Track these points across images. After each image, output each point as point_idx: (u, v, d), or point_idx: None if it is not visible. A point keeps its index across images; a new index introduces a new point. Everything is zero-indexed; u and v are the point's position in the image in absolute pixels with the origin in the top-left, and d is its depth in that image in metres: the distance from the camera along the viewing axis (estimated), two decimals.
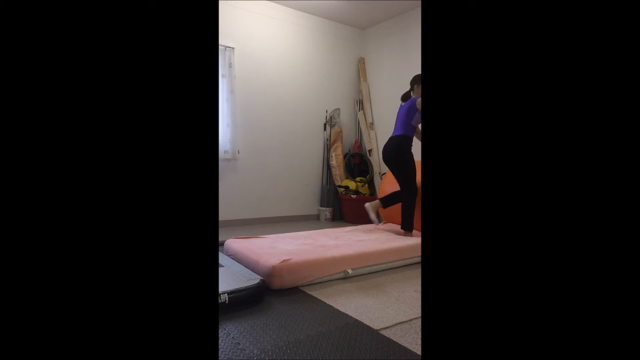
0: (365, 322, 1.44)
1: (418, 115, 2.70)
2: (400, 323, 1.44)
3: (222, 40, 3.63)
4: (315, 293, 1.77)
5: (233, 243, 2.30)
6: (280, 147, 4.09)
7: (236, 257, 2.13)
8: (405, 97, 2.90)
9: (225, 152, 3.65)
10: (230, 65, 3.65)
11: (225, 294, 1.54)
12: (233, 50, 3.67)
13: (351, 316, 1.50)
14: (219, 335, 1.30)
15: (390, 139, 2.79)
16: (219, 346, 1.22)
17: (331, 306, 1.61)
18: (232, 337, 1.29)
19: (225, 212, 3.74)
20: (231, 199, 3.77)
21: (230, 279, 1.73)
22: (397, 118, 2.84)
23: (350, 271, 2.00)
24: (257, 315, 1.49)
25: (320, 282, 1.92)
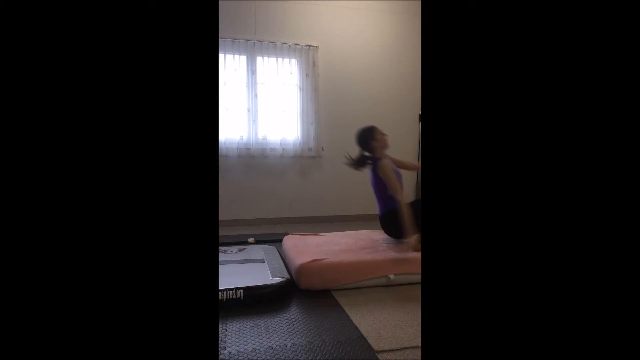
0: (369, 340, 1.25)
1: (390, 182, 2.05)
2: (408, 348, 1.20)
3: (305, 40, 3.70)
4: (343, 300, 1.63)
5: (288, 239, 2.32)
6: None
7: (284, 254, 2.14)
8: (360, 162, 2.22)
9: (309, 149, 3.72)
10: (314, 64, 3.70)
11: (242, 290, 1.55)
12: (316, 49, 3.71)
13: (360, 331, 1.33)
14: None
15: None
16: None
17: (348, 316, 1.46)
18: (220, 334, 1.29)
19: (310, 209, 3.82)
20: (317, 196, 3.83)
21: (258, 275, 1.75)
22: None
23: (392, 277, 1.78)
24: (260, 315, 1.47)
25: (356, 288, 1.77)
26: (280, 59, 3.64)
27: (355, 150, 3.92)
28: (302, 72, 3.70)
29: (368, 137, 2.18)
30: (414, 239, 2.03)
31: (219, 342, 1.24)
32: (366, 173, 3.91)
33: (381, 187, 2.14)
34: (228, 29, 3.50)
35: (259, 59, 3.60)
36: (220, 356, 1.15)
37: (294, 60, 3.71)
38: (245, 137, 3.56)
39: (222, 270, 1.81)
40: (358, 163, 2.22)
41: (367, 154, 2.21)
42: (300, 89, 3.70)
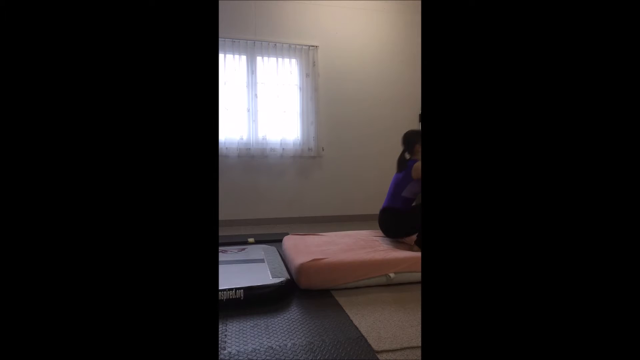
0: (369, 340, 1.25)
1: (414, 185, 2.17)
2: (408, 348, 1.20)
3: (305, 40, 3.70)
4: (343, 299, 1.63)
5: (288, 240, 2.32)
6: (369, 142, 3.95)
7: (284, 254, 2.14)
8: (400, 163, 2.34)
9: (309, 149, 3.72)
10: (314, 64, 3.70)
11: (242, 290, 1.55)
12: (317, 49, 3.71)
13: (360, 331, 1.33)
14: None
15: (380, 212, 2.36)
16: None
17: (347, 316, 1.46)
18: (220, 334, 1.29)
19: (310, 209, 3.82)
20: (317, 196, 3.83)
21: (257, 275, 1.75)
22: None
23: (392, 275, 1.78)
24: (260, 315, 1.47)
25: (356, 288, 1.77)
26: (280, 59, 3.64)
27: (353, 152, 3.92)
28: (302, 72, 3.70)
29: (414, 141, 2.30)
30: (411, 238, 2.14)
31: (219, 342, 1.24)
32: (365, 174, 3.93)
33: (400, 187, 2.24)
34: (228, 29, 3.50)
35: (258, 59, 3.60)
36: (220, 356, 1.15)
37: (294, 60, 3.72)
38: (245, 137, 3.57)
39: (222, 270, 1.81)
40: (401, 165, 2.34)
41: (407, 155, 2.34)
42: (300, 89, 3.70)
